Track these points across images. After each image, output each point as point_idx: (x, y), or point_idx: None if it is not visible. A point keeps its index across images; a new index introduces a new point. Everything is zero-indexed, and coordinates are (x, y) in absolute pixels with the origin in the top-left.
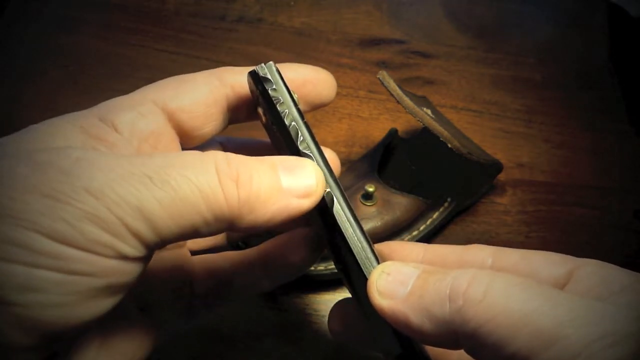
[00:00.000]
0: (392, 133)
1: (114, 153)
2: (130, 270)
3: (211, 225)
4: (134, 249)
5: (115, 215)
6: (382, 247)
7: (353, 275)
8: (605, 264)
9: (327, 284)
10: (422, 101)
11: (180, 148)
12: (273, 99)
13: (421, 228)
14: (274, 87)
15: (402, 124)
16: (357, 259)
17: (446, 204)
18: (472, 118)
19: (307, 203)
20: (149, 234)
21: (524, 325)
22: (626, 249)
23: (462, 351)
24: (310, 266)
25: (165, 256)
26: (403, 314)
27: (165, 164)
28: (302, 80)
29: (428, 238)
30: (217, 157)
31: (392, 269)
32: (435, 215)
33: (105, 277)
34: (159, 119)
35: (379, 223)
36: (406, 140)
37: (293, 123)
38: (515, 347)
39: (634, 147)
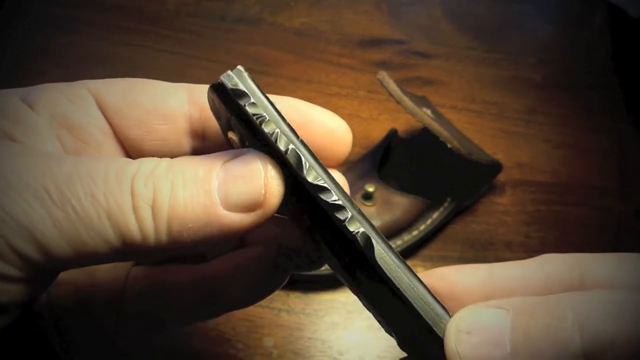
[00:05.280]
0: (392, 133)
1: (18, 150)
2: (12, 291)
3: (124, 253)
4: (17, 270)
5: None
6: (422, 277)
7: (409, 328)
8: None
9: (327, 284)
10: (422, 101)
11: (120, 154)
12: (255, 117)
13: (421, 228)
14: (251, 101)
15: (402, 124)
16: (425, 319)
17: (446, 204)
18: (472, 118)
19: (250, 219)
20: (38, 257)
21: None
22: (627, 249)
23: None
24: (261, 299)
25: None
26: None
27: (71, 175)
28: (297, 121)
29: (428, 238)
30: (139, 171)
31: (470, 325)
32: (435, 215)
33: None
34: (91, 110)
35: (379, 223)
36: (406, 140)
37: (291, 146)
38: None
39: (635, 147)
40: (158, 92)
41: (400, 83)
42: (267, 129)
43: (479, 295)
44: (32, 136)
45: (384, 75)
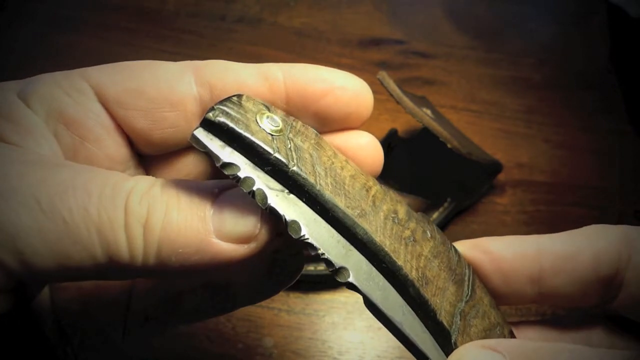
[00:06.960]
0: (392, 133)
1: (14, 154)
2: None
3: (108, 271)
4: None
5: None
6: (467, 248)
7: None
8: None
9: (327, 284)
10: (422, 101)
11: (122, 148)
12: (231, 178)
13: None
14: (223, 161)
15: (402, 124)
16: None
17: (446, 204)
18: (472, 118)
19: (242, 251)
20: (17, 268)
21: None
22: None
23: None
24: (270, 296)
25: None
26: None
27: (66, 186)
28: (321, 90)
29: None
30: (135, 188)
31: None
32: (435, 215)
33: None
34: (90, 104)
35: None
36: (406, 141)
37: (269, 202)
38: None
39: (634, 147)
40: (163, 76)
41: (400, 83)
42: (244, 188)
43: (526, 276)
44: (28, 136)
45: (384, 75)
